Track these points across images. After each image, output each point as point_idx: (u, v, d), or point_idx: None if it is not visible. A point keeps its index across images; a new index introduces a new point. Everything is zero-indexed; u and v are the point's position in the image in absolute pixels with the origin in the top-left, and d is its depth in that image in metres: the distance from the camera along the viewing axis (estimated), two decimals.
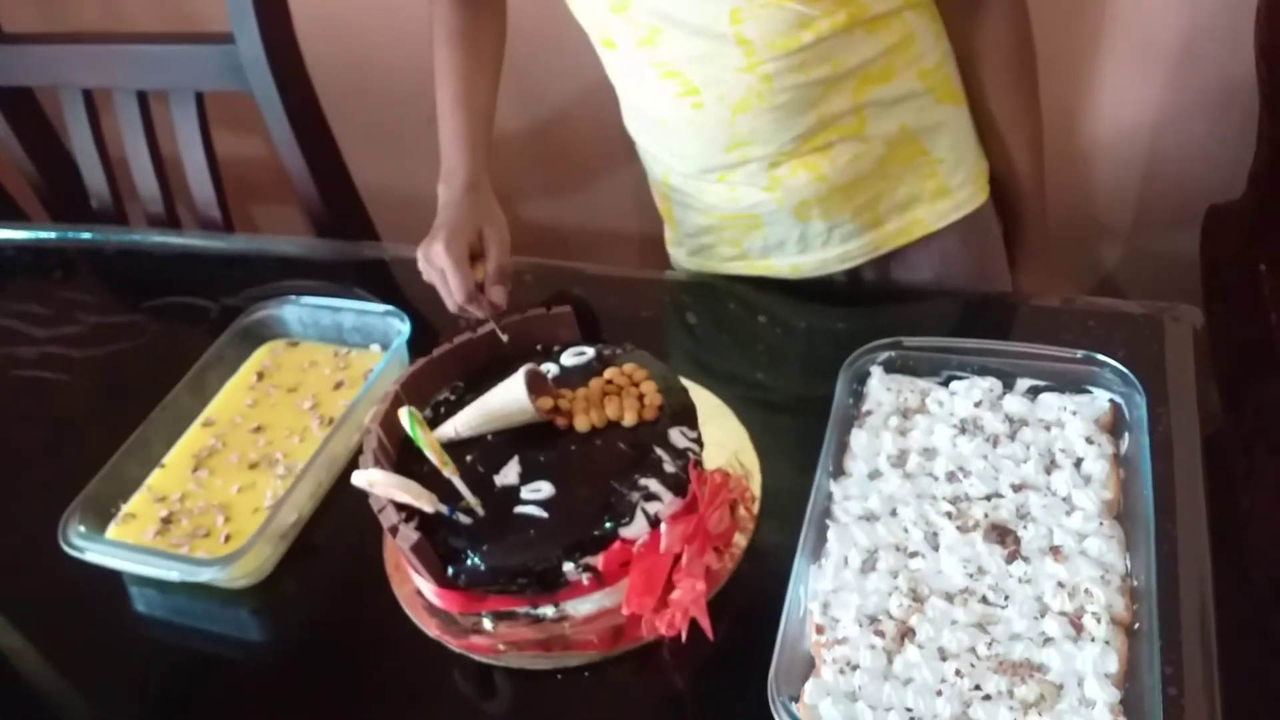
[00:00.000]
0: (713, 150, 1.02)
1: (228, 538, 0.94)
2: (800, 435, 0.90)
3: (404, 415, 0.81)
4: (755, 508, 0.88)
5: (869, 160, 1.01)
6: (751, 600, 0.82)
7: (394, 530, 0.80)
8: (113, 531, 0.96)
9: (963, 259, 1.07)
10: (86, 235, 1.43)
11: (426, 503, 0.80)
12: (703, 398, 0.95)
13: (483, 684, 0.83)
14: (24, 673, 0.92)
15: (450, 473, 0.81)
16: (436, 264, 1.00)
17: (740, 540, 0.86)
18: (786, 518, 0.84)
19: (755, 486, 0.90)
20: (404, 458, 0.88)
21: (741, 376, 1.01)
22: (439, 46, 1.11)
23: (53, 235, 1.46)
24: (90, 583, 0.92)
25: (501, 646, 0.82)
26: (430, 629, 0.85)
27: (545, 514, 0.80)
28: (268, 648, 0.92)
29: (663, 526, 0.79)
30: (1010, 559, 0.75)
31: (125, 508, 0.98)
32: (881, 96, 0.99)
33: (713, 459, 0.87)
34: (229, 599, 0.92)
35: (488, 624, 0.84)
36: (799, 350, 1.04)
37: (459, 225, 1.01)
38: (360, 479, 0.80)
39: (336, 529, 0.96)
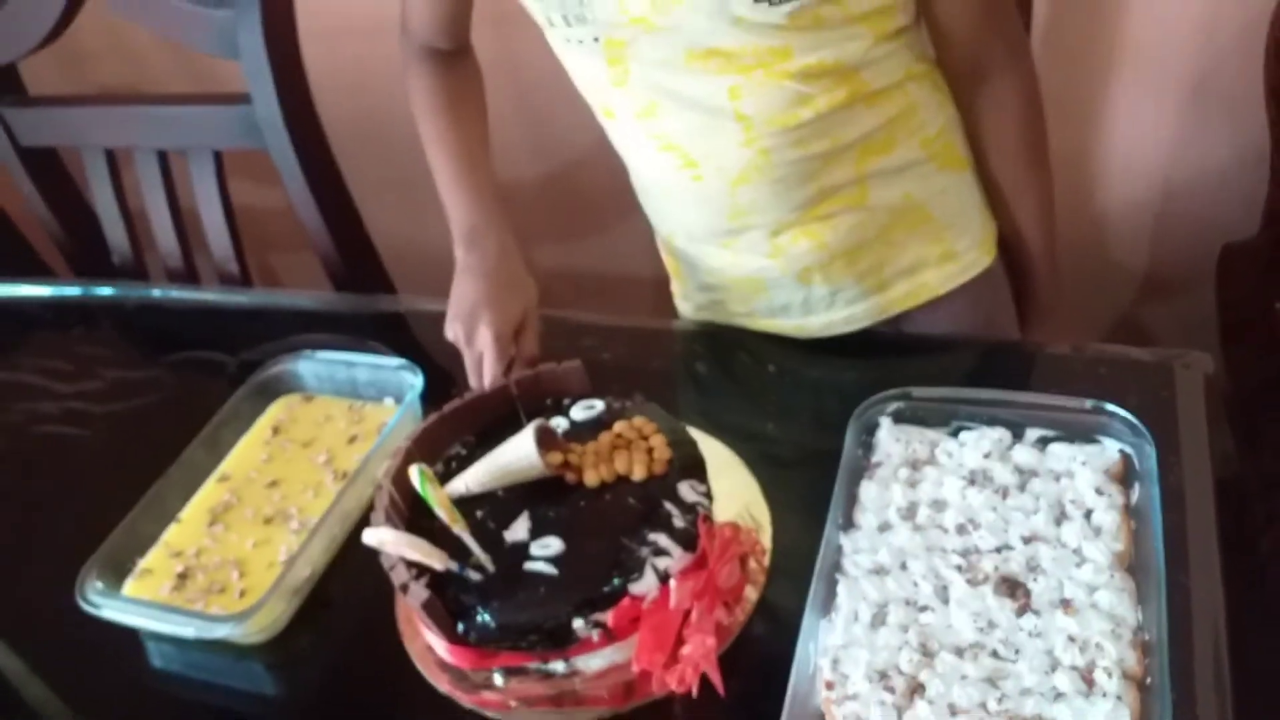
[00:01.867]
0: (714, 219, 1.02)
1: (243, 593, 0.95)
2: (810, 487, 0.90)
3: (414, 473, 0.82)
4: (766, 561, 0.88)
5: (871, 228, 1.02)
6: (762, 655, 0.82)
7: (405, 588, 0.80)
8: (129, 587, 0.97)
9: (971, 319, 1.07)
10: (108, 291, 1.46)
11: (437, 560, 0.80)
12: (712, 449, 0.95)
13: None
14: None
15: (460, 529, 0.82)
16: (478, 347, 0.97)
17: (751, 594, 0.86)
18: (797, 571, 0.84)
19: (766, 539, 0.90)
20: (415, 513, 0.88)
21: (751, 428, 1.02)
22: (426, 116, 1.10)
23: (75, 291, 1.49)
24: (108, 637, 0.93)
25: (513, 703, 0.82)
26: (442, 684, 0.85)
27: (555, 570, 0.81)
28: (282, 703, 0.92)
29: (672, 583, 0.79)
30: (1020, 612, 0.75)
31: (142, 563, 0.99)
32: (883, 167, 0.99)
33: (723, 511, 0.87)
34: (244, 654, 0.93)
35: (499, 680, 0.84)
36: (809, 401, 1.05)
37: (507, 309, 0.98)
38: (371, 538, 0.81)
39: (349, 584, 0.96)
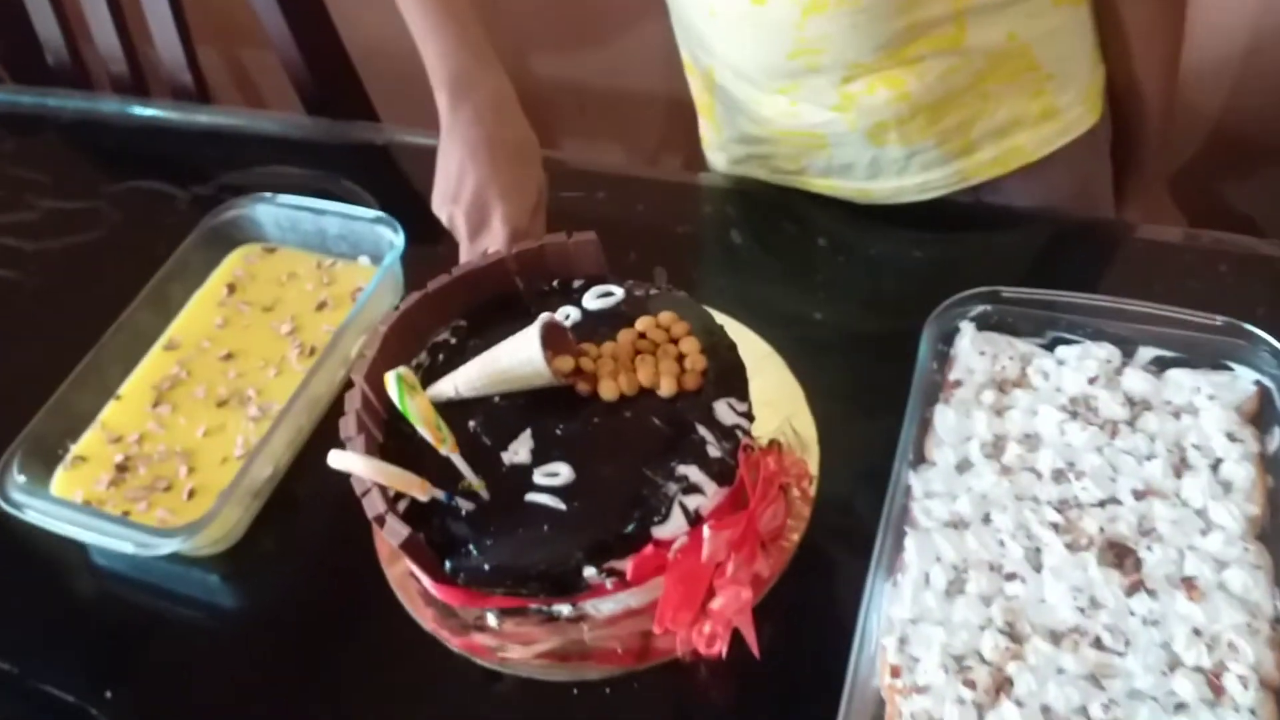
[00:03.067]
0: (773, 56, 0.83)
1: (192, 493, 0.81)
2: (869, 395, 0.76)
3: (391, 382, 0.66)
4: (812, 490, 0.74)
5: (965, 76, 0.83)
6: (806, 605, 0.70)
7: (380, 521, 0.66)
8: (60, 478, 0.83)
9: (1064, 188, 0.90)
10: (42, 100, 1.25)
11: (419, 489, 0.66)
12: (748, 341, 0.80)
13: (485, 693, 0.71)
14: None
15: (449, 450, 0.67)
16: (485, 244, 0.82)
17: (792, 527, 0.72)
18: (850, 503, 0.72)
19: (812, 462, 0.75)
20: (395, 416, 0.73)
21: (796, 315, 0.85)
22: None
23: (3, 98, 1.28)
24: (38, 534, 0.79)
25: (510, 653, 0.70)
26: (425, 621, 0.73)
27: (562, 505, 0.66)
28: (238, 615, 0.80)
29: (706, 531, 0.65)
30: (1131, 590, 0.61)
31: (75, 448, 0.85)
32: (986, 0, 0.79)
33: (762, 423, 0.72)
34: (196, 561, 0.80)
35: (492, 620, 0.72)
36: (867, 283, 0.87)
37: (523, 197, 0.81)
38: (339, 461, 0.66)
39: (317, 483, 0.81)
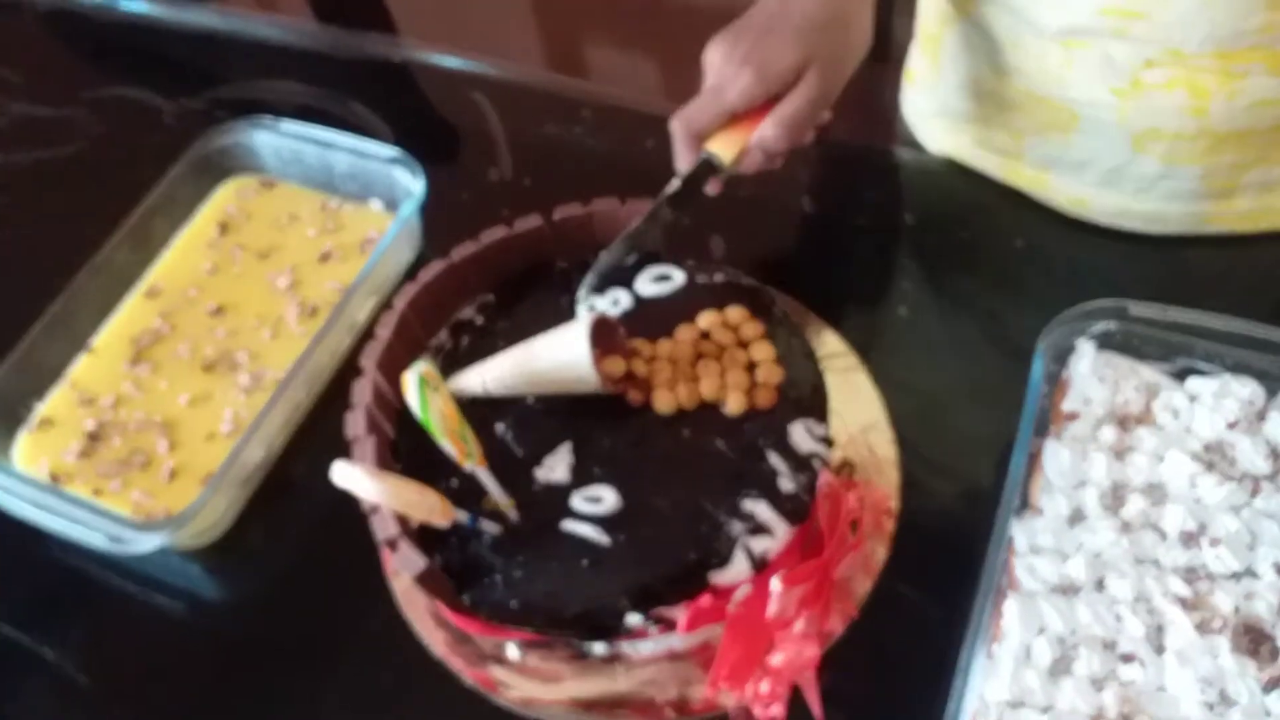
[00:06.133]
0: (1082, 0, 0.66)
1: (172, 474, 0.71)
2: (964, 415, 0.67)
3: (412, 383, 0.55)
4: (890, 526, 0.64)
5: (1277, 113, 0.68)
6: (877, 663, 0.61)
7: (392, 545, 0.57)
8: (24, 443, 0.73)
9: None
10: None
11: (441, 517, 0.56)
12: (819, 337, 0.69)
13: None
14: None
15: (475, 465, 0.57)
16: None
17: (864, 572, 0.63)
18: (934, 546, 0.63)
19: (890, 490, 0.65)
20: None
21: (876, 307, 0.73)
22: None
23: None
24: None
25: (532, 693, 0.61)
26: (435, 645, 0.64)
27: (606, 538, 0.57)
28: (216, 617, 0.70)
29: (775, 585, 0.55)
30: (1270, 685, 0.52)
31: (40, 409, 0.75)
32: None
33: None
34: (173, 550, 0.70)
35: (513, 652, 0.63)
36: (963, 275, 0.75)
37: (778, 59, 0.63)
38: (345, 477, 0.55)
39: (313, 467, 0.70)
